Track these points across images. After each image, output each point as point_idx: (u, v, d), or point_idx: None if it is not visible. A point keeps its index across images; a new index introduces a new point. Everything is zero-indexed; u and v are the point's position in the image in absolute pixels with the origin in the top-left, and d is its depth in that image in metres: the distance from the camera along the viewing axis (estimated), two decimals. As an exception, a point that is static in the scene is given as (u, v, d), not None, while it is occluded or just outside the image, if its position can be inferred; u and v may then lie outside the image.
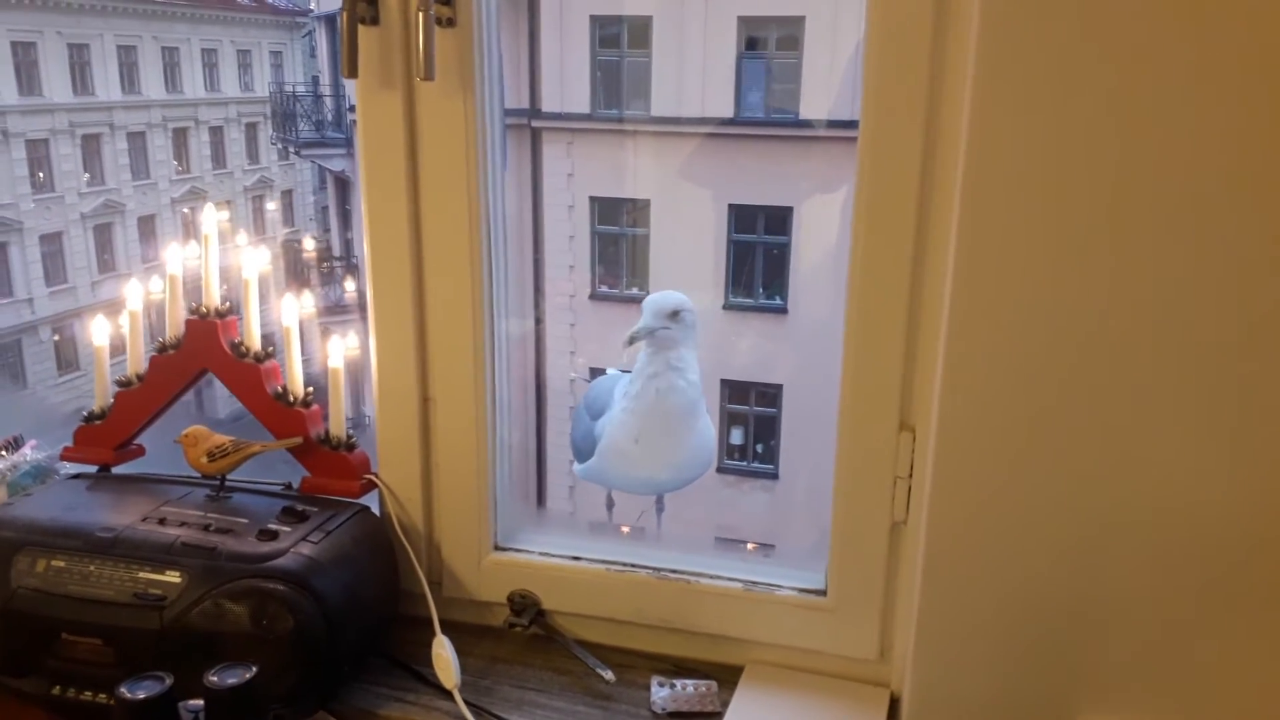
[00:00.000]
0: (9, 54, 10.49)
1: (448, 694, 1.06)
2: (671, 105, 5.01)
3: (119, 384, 1.24)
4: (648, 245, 5.12)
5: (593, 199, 5.08)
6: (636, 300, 1.59)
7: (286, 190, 13.51)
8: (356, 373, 1.25)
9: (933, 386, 0.91)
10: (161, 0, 11.93)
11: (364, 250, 1.14)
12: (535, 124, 4.97)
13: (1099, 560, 0.88)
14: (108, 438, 1.24)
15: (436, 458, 1.18)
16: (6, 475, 1.25)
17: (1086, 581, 0.89)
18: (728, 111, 4.90)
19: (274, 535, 1.04)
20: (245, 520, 1.07)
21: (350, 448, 1.20)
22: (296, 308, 1.19)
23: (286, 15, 13.65)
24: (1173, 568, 0.87)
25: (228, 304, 1.20)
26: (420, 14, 0.99)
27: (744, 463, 5.19)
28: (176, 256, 1.21)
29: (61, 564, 1.02)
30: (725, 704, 1.06)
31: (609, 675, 1.09)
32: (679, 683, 1.09)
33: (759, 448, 5.17)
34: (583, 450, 1.66)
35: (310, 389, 1.20)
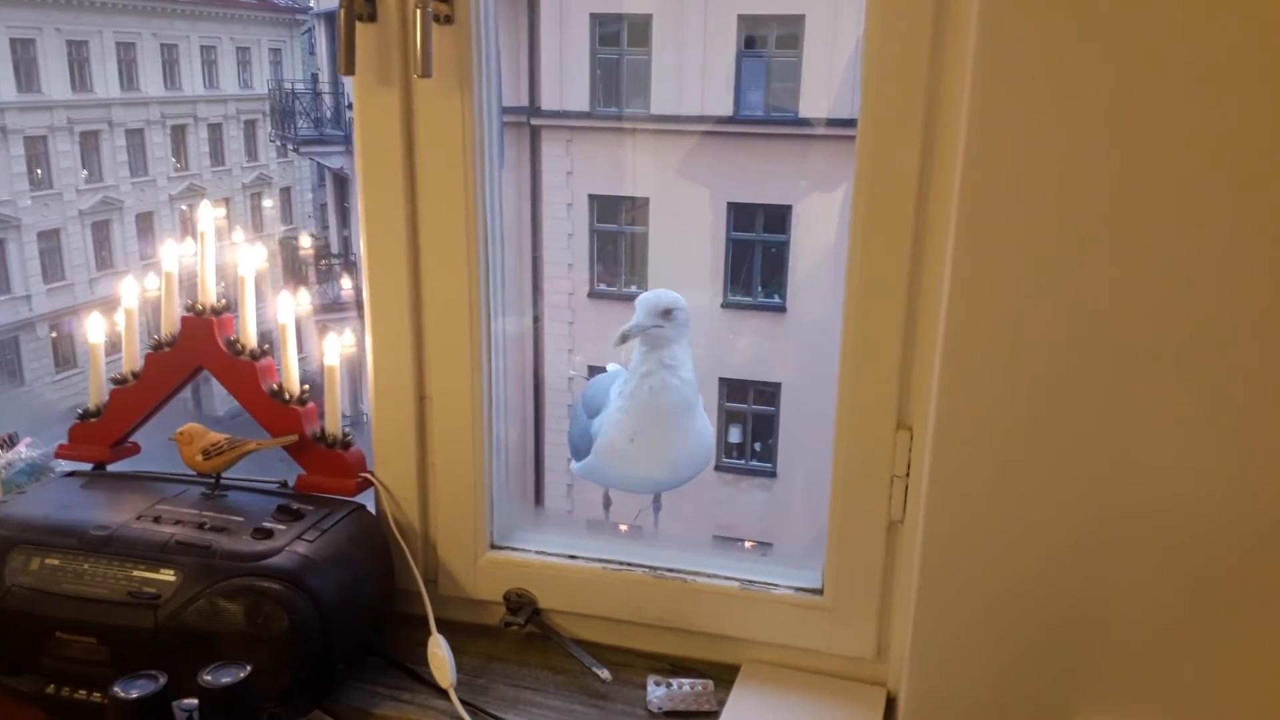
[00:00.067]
0: (8, 50, 10.47)
1: (443, 693, 1.06)
2: (671, 103, 5.00)
3: (114, 381, 1.24)
4: (646, 243, 5.11)
5: (591, 197, 5.08)
6: (635, 299, 1.59)
7: (285, 188, 13.50)
8: (356, 371, 1.24)
9: (930, 385, 0.91)
10: (160, -3, 11.92)
11: (361, 247, 1.13)
12: (534, 122, 4.97)
13: (1097, 560, 0.88)
14: (103, 435, 1.24)
15: (433, 456, 1.18)
16: (1, 473, 1.25)
17: (1084, 581, 0.89)
18: (727, 110, 4.89)
19: (269, 534, 1.04)
20: (240, 518, 1.07)
21: (346, 446, 1.19)
22: (293, 305, 1.18)
23: (286, 12, 13.64)
24: (1171, 567, 0.86)
25: (224, 301, 1.20)
26: (418, 11, 0.98)
27: (742, 461, 5.20)
28: (172, 253, 1.21)
29: (56, 562, 1.01)
30: (721, 703, 1.06)
31: (605, 674, 1.08)
32: (675, 682, 1.08)
33: (757, 446, 5.17)
34: (580, 448, 1.66)
35: (307, 387, 1.20)
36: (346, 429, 1.20)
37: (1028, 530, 0.89)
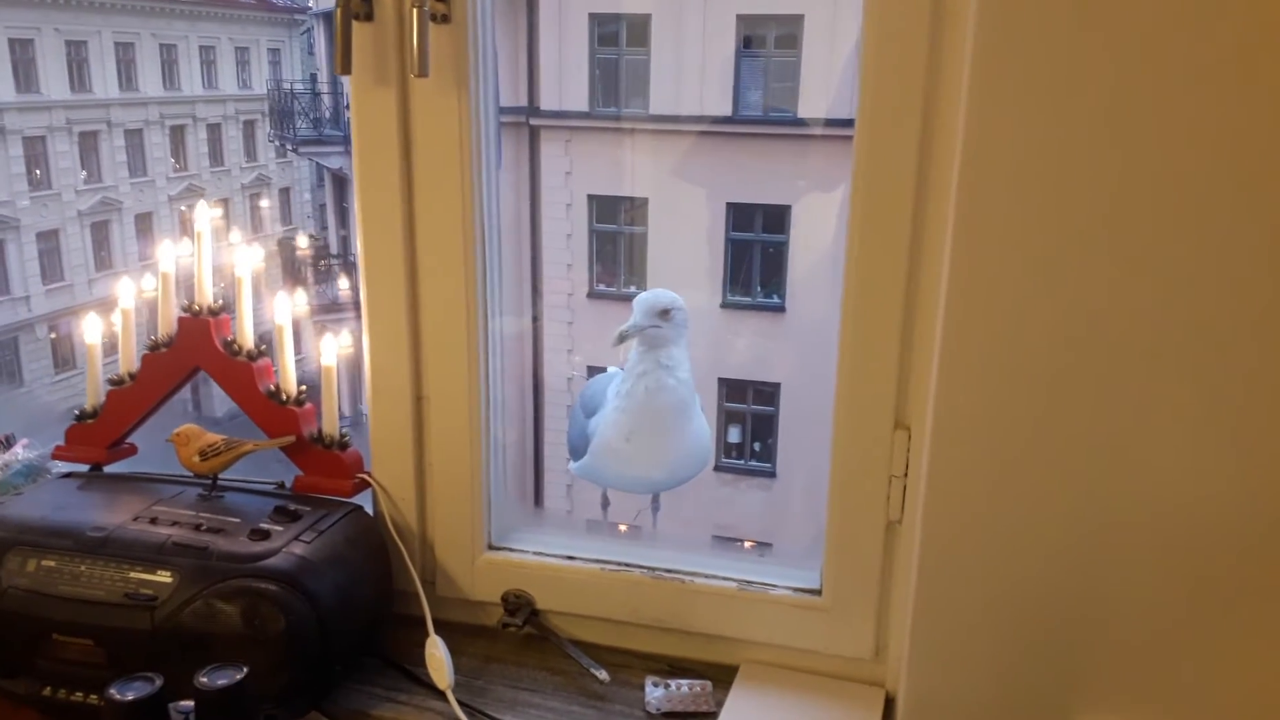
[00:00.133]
0: (6, 51, 10.46)
1: (441, 694, 1.06)
2: (670, 103, 5.00)
3: (111, 382, 1.23)
4: (645, 243, 5.11)
5: (590, 197, 5.08)
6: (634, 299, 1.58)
7: (284, 188, 13.50)
8: (356, 371, 1.24)
9: (928, 385, 0.90)
10: (159, -3, 11.92)
11: (358, 248, 1.13)
12: (533, 122, 4.97)
13: (1095, 560, 0.88)
14: (100, 436, 1.23)
15: (430, 457, 1.17)
16: (-2, 474, 1.25)
17: (1082, 581, 0.89)
18: (726, 110, 4.89)
19: (266, 535, 1.04)
20: (237, 520, 1.07)
21: (343, 446, 1.19)
22: (289, 306, 1.18)
23: (285, 12, 13.63)
24: (1169, 567, 0.86)
25: (220, 302, 1.20)
26: (414, 10, 0.98)
27: (741, 461, 5.20)
28: (169, 254, 1.21)
29: (52, 564, 1.01)
30: (720, 704, 1.05)
31: (603, 675, 1.08)
32: (673, 682, 1.08)
33: (756, 446, 5.17)
34: (578, 448, 1.65)
35: (304, 387, 1.19)
36: (345, 429, 1.20)
37: (1026, 530, 0.89)
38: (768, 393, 5.09)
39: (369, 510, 1.18)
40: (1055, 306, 0.83)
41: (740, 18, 4.84)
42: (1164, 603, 0.87)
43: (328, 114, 8.94)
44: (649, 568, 1.15)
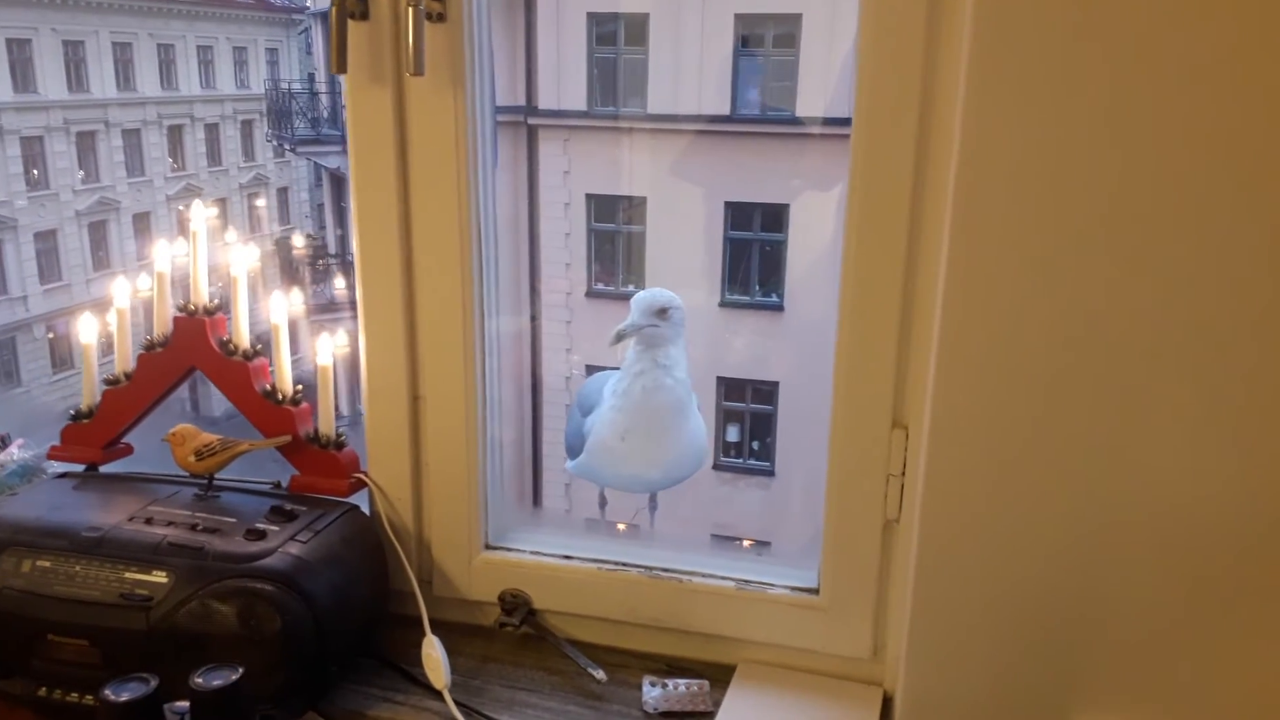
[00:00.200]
0: (4, 50, 10.44)
1: (438, 694, 1.06)
2: (668, 102, 5.00)
3: (107, 382, 1.23)
4: (644, 243, 5.11)
5: (589, 196, 5.07)
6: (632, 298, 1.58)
7: (282, 188, 13.48)
8: (355, 370, 1.24)
9: (926, 384, 0.90)
10: (157, -3, 11.90)
11: (354, 247, 1.13)
12: (531, 121, 4.96)
13: (1093, 559, 0.88)
14: (95, 436, 1.23)
15: (427, 456, 1.17)
16: (-7, 474, 1.24)
17: (1081, 580, 0.89)
18: (724, 109, 4.88)
19: (262, 535, 1.03)
20: (233, 520, 1.07)
21: (340, 446, 1.19)
22: (285, 305, 1.18)
23: (283, 12, 13.61)
24: (1168, 567, 0.86)
25: (216, 302, 1.19)
26: (410, 8, 0.98)
27: (740, 460, 5.19)
28: (165, 253, 1.20)
29: (47, 564, 1.01)
30: (717, 704, 1.05)
31: (600, 675, 1.08)
32: (671, 682, 1.08)
33: (755, 445, 5.17)
34: (575, 447, 1.65)
35: (300, 387, 1.19)
36: (342, 429, 1.19)
37: (1024, 529, 0.89)
38: (766, 391, 5.08)
39: (365, 510, 1.18)
40: (1053, 306, 0.83)
41: (738, 17, 4.83)
42: (1162, 602, 0.87)
43: (325, 114, 8.93)
44: (646, 567, 1.15)
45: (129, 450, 1.26)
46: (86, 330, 1.23)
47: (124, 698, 0.82)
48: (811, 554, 1.09)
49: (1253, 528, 0.83)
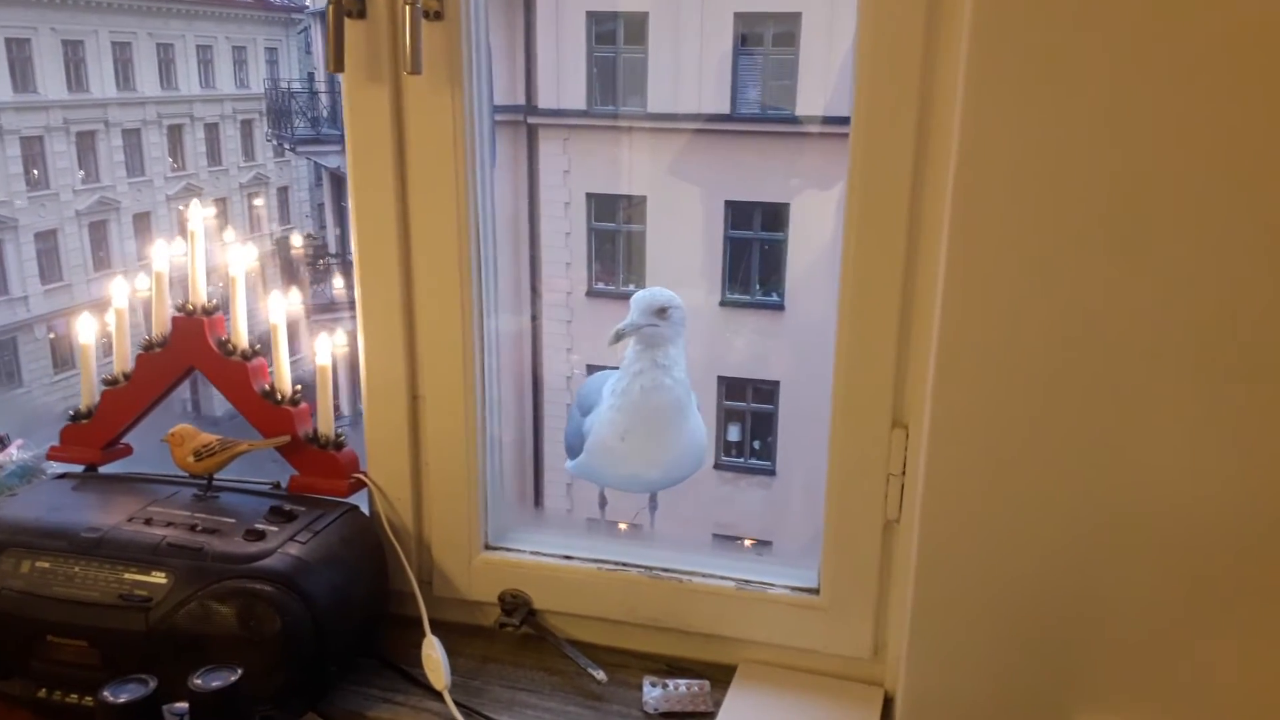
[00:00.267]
0: (3, 50, 10.43)
1: (438, 695, 1.06)
2: (667, 101, 4.99)
3: (105, 383, 1.23)
4: (644, 242, 5.10)
5: (589, 195, 5.07)
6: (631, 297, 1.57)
7: (283, 187, 13.48)
8: (355, 370, 1.23)
9: (926, 384, 0.90)
10: (156, -4, 11.89)
11: (352, 246, 1.13)
12: (531, 120, 4.95)
13: (1093, 558, 0.87)
14: (95, 437, 1.23)
15: (426, 456, 1.17)
16: (-8, 475, 1.24)
17: (1081, 579, 0.88)
18: (724, 108, 4.88)
19: (261, 535, 1.03)
20: (232, 520, 1.06)
21: (339, 446, 1.18)
22: (284, 305, 1.18)
23: (282, 11, 13.60)
24: (1167, 566, 0.86)
25: (215, 301, 1.19)
26: (407, 7, 0.97)
27: (741, 459, 5.19)
28: (163, 253, 1.20)
29: (46, 565, 1.01)
30: (718, 704, 1.05)
31: (600, 675, 1.08)
32: (671, 682, 1.08)
33: (756, 444, 5.16)
34: (574, 447, 1.65)
35: (299, 387, 1.19)
36: (342, 429, 1.19)
37: (1024, 529, 0.88)
38: (767, 391, 5.08)
39: (365, 510, 1.18)
40: (1052, 305, 0.83)
41: (738, 15, 4.83)
42: (1162, 602, 0.87)
43: (325, 113, 8.92)
44: (646, 567, 1.14)
45: (128, 451, 1.26)
46: (85, 331, 1.23)
47: (122, 699, 0.82)
48: (811, 553, 1.09)
49: (1253, 528, 0.83)
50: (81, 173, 11.43)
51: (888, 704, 1.05)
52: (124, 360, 1.22)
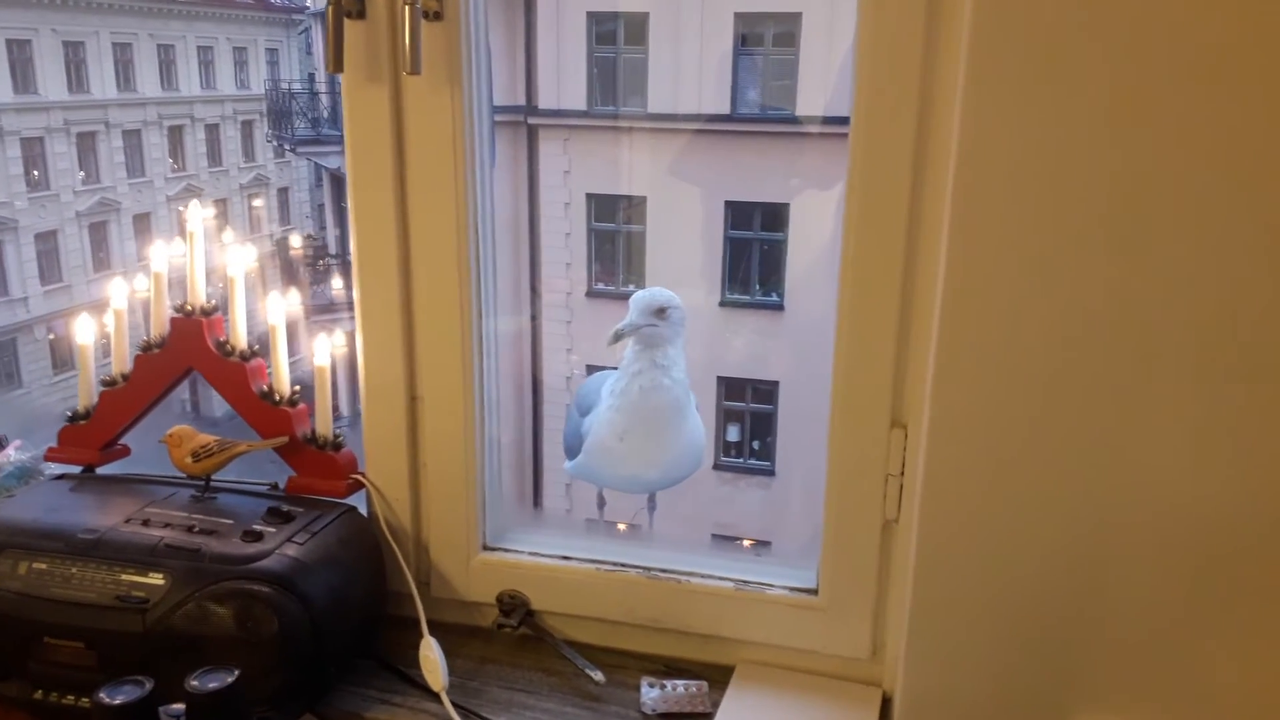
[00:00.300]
0: (4, 51, 10.44)
1: (435, 696, 1.05)
2: (668, 102, 4.99)
3: (104, 383, 1.23)
4: (644, 242, 5.10)
5: (589, 196, 5.07)
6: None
7: (283, 188, 13.48)
8: (354, 371, 1.23)
9: (925, 383, 0.90)
10: (157, -3, 11.90)
11: (351, 247, 1.13)
12: (531, 121, 4.95)
13: (1093, 558, 0.87)
14: (92, 438, 1.23)
15: (424, 457, 1.17)
16: (-10, 476, 1.24)
17: (1080, 579, 0.88)
18: (724, 108, 4.88)
19: (259, 536, 1.03)
20: (230, 521, 1.06)
21: (337, 447, 1.18)
22: (283, 306, 1.18)
23: (283, 12, 13.61)
24: (1167, 566, 0.86)
25: (213, 302, 1.19)
26: (406, 7, 0.97)
27: (740, 459, 5.19)
28: (161, 254, 1.20)
29: (43, 566, 1.01)
30: (716, 704, 1.05)
31: (598, 676, 1.08)
32: (669, 683, 1.08)
33: (755, 444, 5.16)
34: (573, 447, 1.65)
35: (298, 388, 1.19)
36: (340, 430, 1.19)
37: (1023, 529, 0.88)
38: (766, 391, 5.08)
39: (363, 511, 1.18)
40: (1052, 305, 0.82)
41: (738, 15, 4.83)
42: (1161, 601, 0.87)
43: (325, 114, 8.93)
44: (645, 568, 1.14)
45: (126, 451, 1.26)
46: (83, 331, 1.23)
47: (119, 700, 0.82)
48: (810, 554, 1.09)
49: (1253, 528, 0.83)
50: (82, 174, 11.44)
51: (886, 704, 1.05)
52: (122, 361, 1.22)
